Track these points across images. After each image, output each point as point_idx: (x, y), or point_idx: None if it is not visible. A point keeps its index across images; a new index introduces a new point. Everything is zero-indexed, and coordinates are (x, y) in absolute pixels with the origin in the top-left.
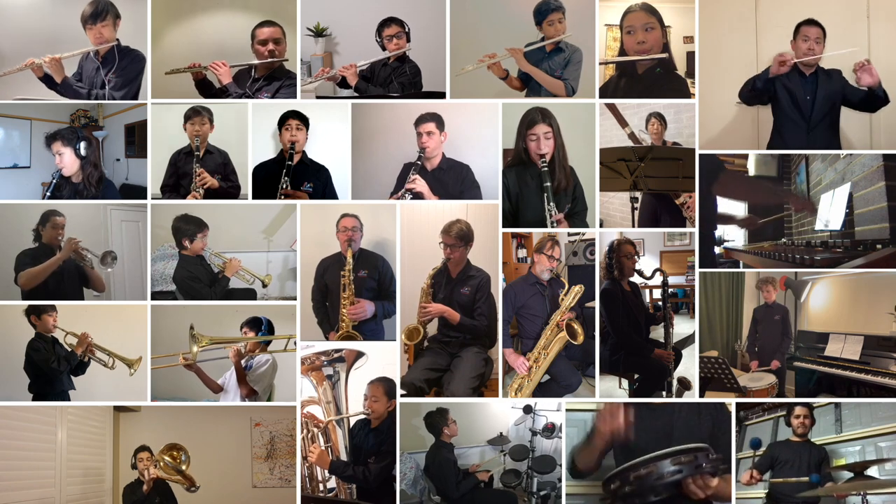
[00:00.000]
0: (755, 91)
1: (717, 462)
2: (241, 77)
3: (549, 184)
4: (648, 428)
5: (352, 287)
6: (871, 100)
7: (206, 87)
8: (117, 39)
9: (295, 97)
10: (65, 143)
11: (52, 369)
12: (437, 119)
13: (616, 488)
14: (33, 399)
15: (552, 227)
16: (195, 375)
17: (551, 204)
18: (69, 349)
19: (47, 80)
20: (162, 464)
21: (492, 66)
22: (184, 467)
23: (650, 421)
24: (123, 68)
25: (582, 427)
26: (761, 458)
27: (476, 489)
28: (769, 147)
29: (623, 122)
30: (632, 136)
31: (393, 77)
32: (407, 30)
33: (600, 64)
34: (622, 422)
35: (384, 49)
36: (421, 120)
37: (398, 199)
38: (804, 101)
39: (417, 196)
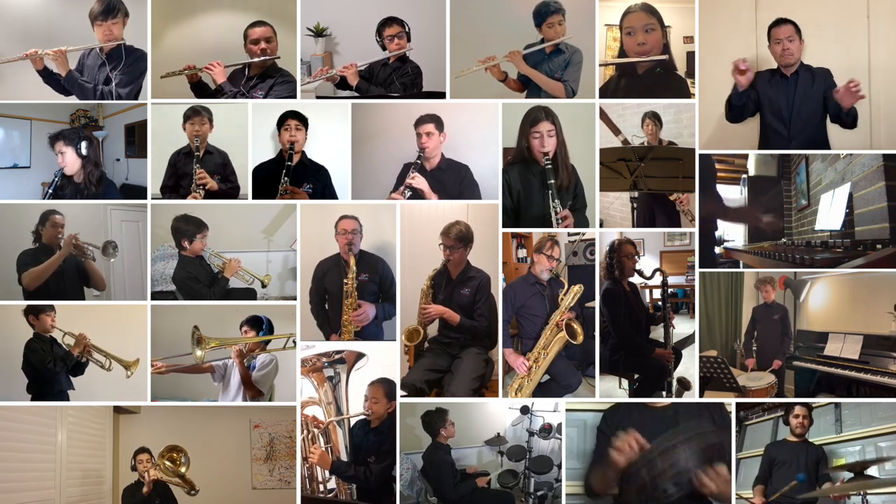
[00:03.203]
0: (734, 110)
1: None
2: (236, 76)
3: (552, 181)
4: (652, 429)
5: (354, 294)
6: (842, 119)
7: (201, 89)
8: (123, 38)
9: (288, 94)
10: (66, 143)
11: (48, 370)
12: (437, 120)
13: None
14: (32, 399)
15: (557, 224)
16: (195, 375)
17: (556, 201)
18: (67, 349)
19: (46, 74)
20: (162, 467)
21: (491, 68)
22: (183, 469)
23: (653, 421)
24: (129, 66)
25: (582, 427)
26: (761, 465)
27: (474, 490)
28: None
29: (616, 131)
30: (624, 142)
31: (394, 77)
32: (407, 30)
33: (600, 65)
34: (638, 450)
35: (384, 49)
36: (420, 121)
37: (398, 195)
38: (783, 105)
39: (416, 193)
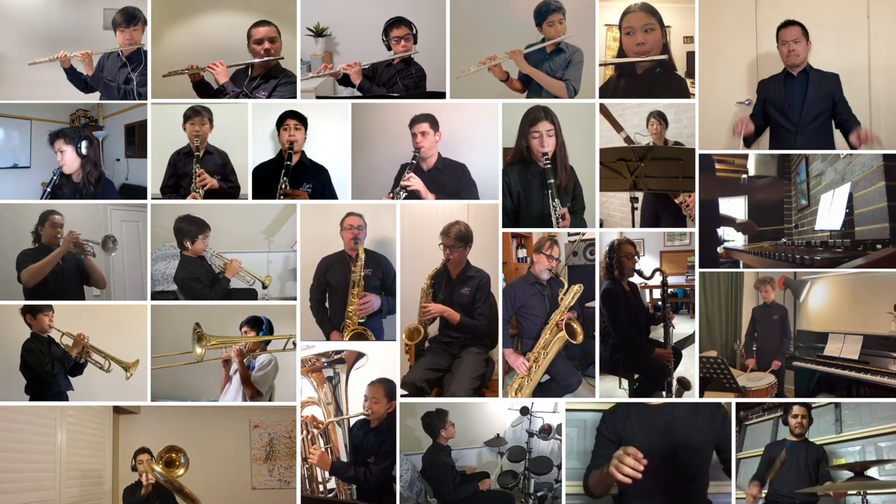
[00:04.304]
0: (749, 144)
1: None
2: (239, 76)
3: (552, 181)
4: (650, 427)
5: (361, 283)
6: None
7: (203, 89)
8: (142, 43)
9: (291, 95)
10: (67, 142)
11: (46, 372)
12: (431, 119)
13: None
14: (31, 400)
15: (557, 223)
16: (195, 375)
17: (556, 201)
18: (65, 350)
19: (71, 71)
20: (156, 471)
21: (492, 67)
22: (181, 471)
23: (650, 420)
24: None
25: (582, 427)
26: (759, 464)
27: (474, 493)
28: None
29: (618, 128)
30: (627, 139)
31: (398, 78)
32: (415, 32)
33: (600, 65)
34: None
35: (389, 49)
36: (415, 121)
37: (393, 196)
38: (790, 104)
39: (413, 193)
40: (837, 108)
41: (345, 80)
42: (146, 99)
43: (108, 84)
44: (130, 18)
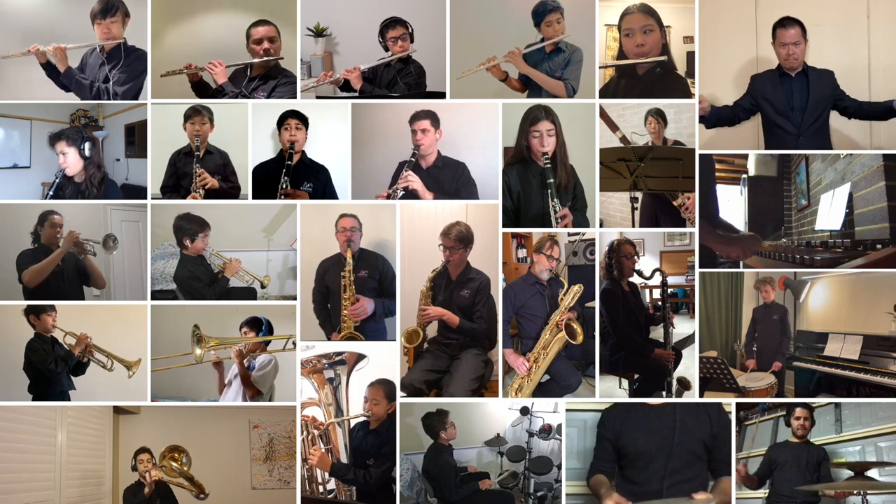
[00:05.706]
0: (710, 126)
1: None
2: (238, 77)
3: (552, 180)
4: (650, 428)
5: (352, 287)
6: (879, 112)
7: (202, 89)
8: (124, 38)
9: (291, 95)
10: (69, 143)
11: (50, 370)
12: (432, 116)
13: None
14: (33, 400)
15: (557, 223)
16: (195, 375)
17: (555, 201)
18: (68, 349)
19: (49, 67)
20: (167, 469)
21: (491, 68)
22: (186, 468)
23: (650, 421)
24: (129, 65)
25: (582, 427)
26: (760, 465)
27: (474, 492)
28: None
29: (614, 127)
30: (623, 139)
31: (398, 78)
32: (411, 31)
33: (600, 68)
34: None
35: (387, 50)
36: (415, 117)
37: (390, 194)
38: (789, 106)
39: (410, 192)
40: (842, 103)
41: (346, 86)
42: (131, 99)
43: (81, 82)
44: (107, 9)
